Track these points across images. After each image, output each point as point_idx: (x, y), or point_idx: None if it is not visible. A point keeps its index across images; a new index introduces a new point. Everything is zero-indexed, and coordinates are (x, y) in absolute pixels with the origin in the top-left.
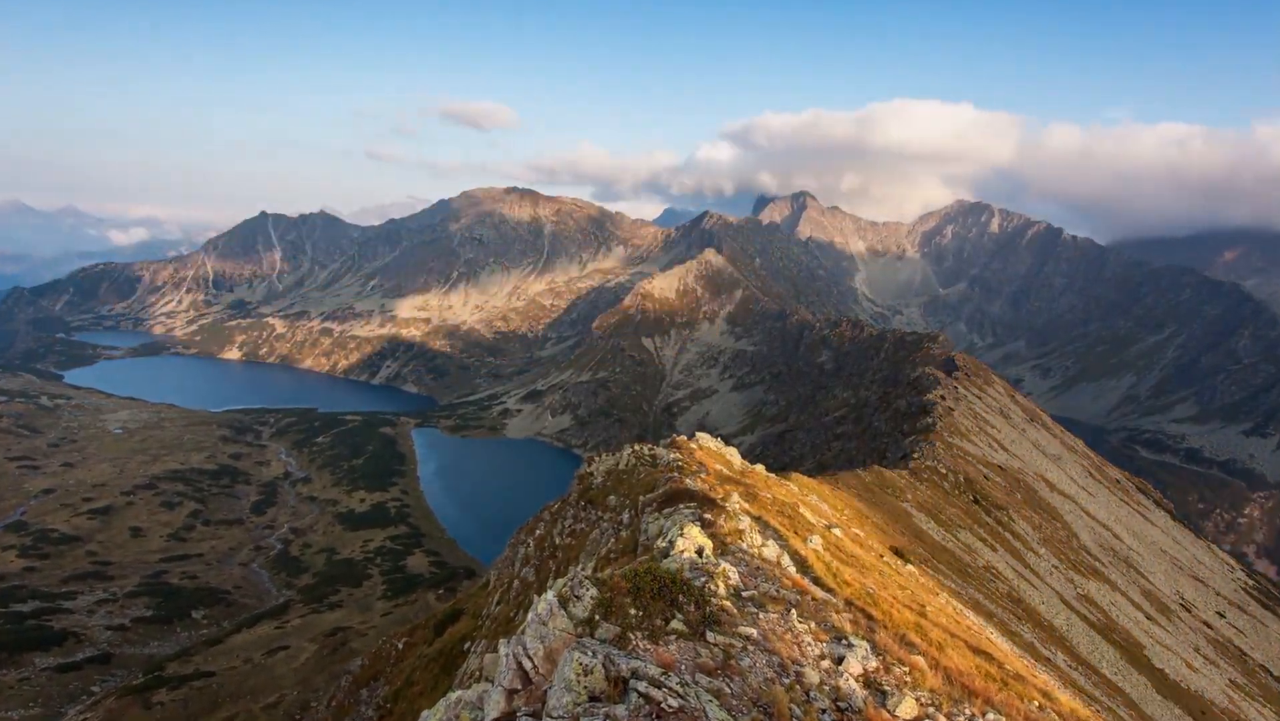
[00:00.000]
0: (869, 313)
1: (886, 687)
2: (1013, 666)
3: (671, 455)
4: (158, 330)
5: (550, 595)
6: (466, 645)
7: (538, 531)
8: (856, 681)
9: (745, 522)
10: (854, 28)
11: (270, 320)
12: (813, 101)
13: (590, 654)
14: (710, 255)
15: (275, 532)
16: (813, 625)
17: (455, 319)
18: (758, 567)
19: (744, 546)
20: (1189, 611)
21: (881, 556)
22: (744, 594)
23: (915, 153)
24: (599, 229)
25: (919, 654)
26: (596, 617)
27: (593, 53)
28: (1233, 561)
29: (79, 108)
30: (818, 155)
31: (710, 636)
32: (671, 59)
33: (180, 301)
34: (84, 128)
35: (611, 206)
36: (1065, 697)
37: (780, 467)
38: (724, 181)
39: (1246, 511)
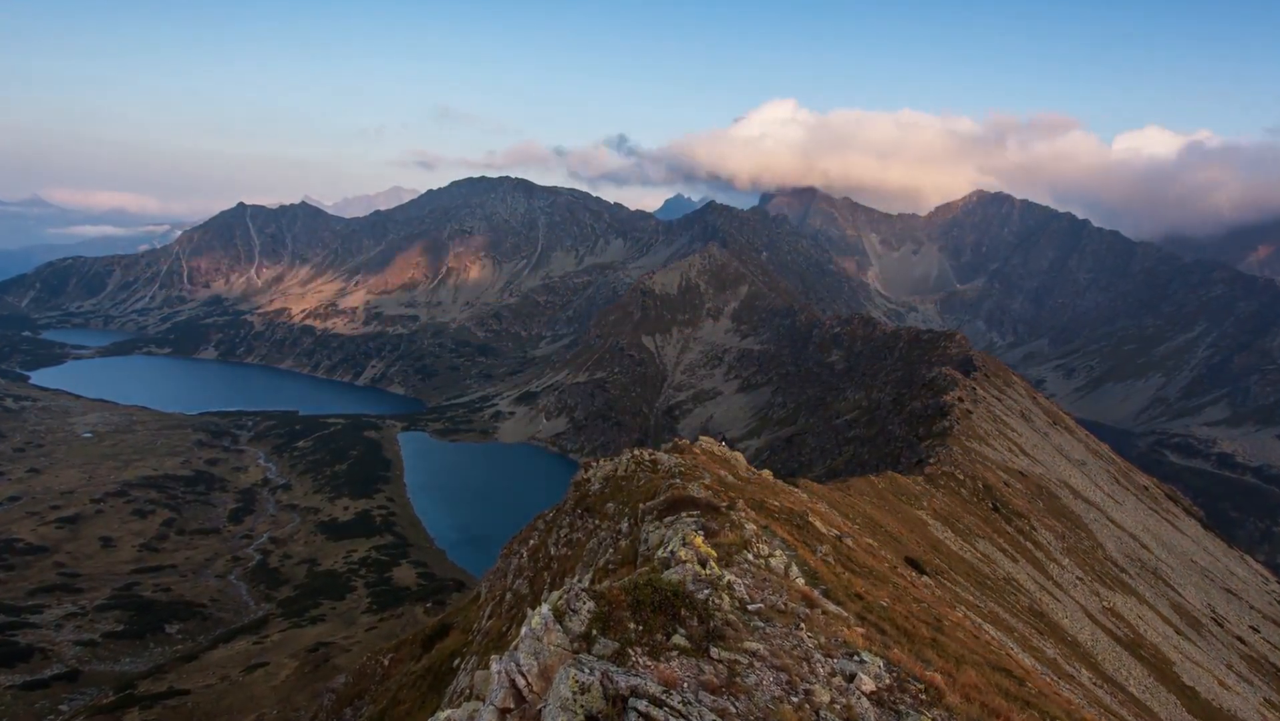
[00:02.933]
0: (882, 309)
1: (901, 707)
2: (1034, 684)
3: (673, 460)
4: (129, 328)
5: (545, 608)
6: (456, 661)
7: (531, 541)
8: (869, 700)
9: (751, 532)
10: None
11: (248, 317)
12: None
13: (587, 671)
14: (714, 249)
15: (253, 542)
16: (823, 640)
17: (444, 316)
18: (764, 579)
19: (750, 557)
20: (1221, 626)
21: (895, 567)
22: (750, 607)
23: None
24: (597, 221)
25: (935, 671)
26: (594, 632)
27: (587, 39)
28: (1267, 573)
29: (42, 93)
30: None
31: (714, 652)
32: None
33: (153, 298)
34: (49, 114)
35: (611, 197)
36: (1090, 717)
37: (788, 473)
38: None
39: None
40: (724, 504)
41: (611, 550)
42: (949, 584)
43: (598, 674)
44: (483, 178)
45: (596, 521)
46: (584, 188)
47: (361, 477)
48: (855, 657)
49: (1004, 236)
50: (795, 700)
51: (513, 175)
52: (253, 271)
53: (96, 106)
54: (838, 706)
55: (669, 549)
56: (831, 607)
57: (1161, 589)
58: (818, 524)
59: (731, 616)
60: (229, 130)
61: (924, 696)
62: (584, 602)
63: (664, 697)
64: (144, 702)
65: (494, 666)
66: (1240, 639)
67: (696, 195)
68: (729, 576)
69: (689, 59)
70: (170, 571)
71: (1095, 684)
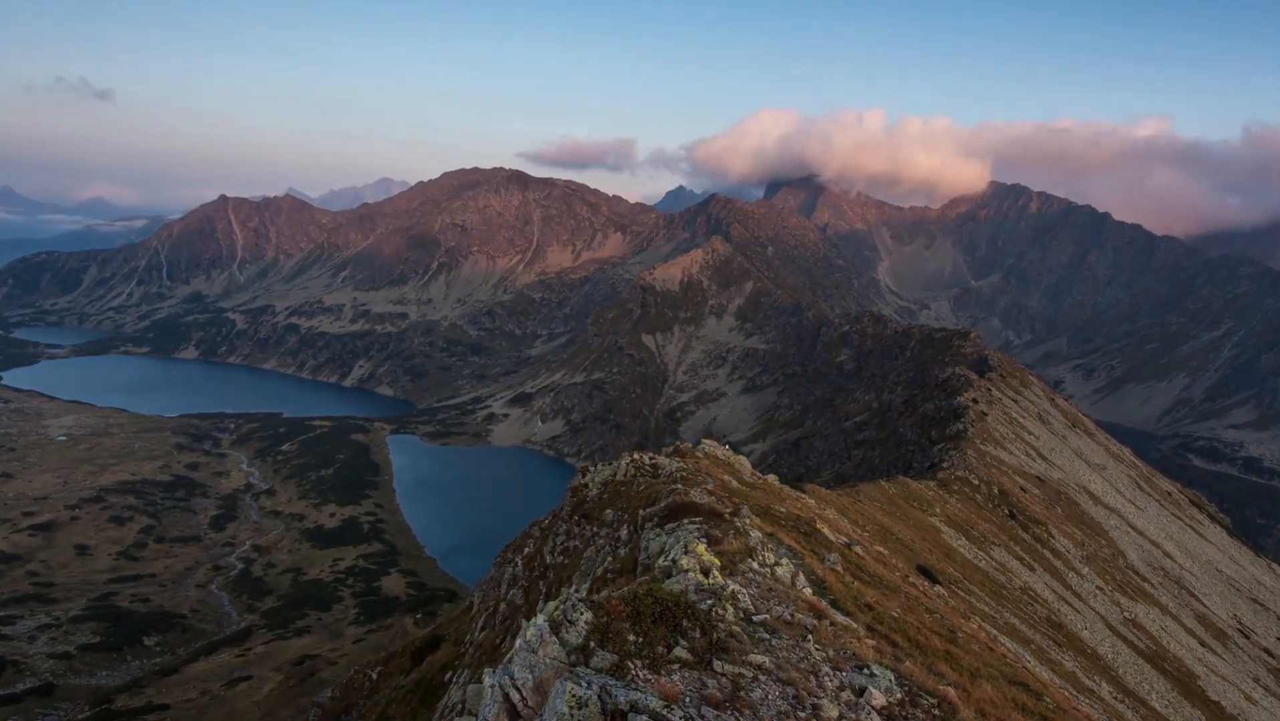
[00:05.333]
0: (893, 307)
1: None
2: (1052, 698)
3: (675, 464)
4: (106, 326)
5: (540, 619)
6: (447, 675)
7: (526, 549)
8: (880, 715)
9: (756, 539)
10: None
11: (230, 315)
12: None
13: (585, 684)
14: (718, 243)
15: (236, 550)
16: (831, 653)
17: (435, 314)
18: (770, 589)
19: (755, 566)
20: (1247, 637)
21: (907, 576)
22: (755, 618)
23: None
24: (595, 214)
25: (949, 684)
26: (592, 644)
27: (586, 31)
28: None
29: (10, 78)
30: None
31: (717, 665)
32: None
33: (131, 294)
34: (21, 101)
35: (609, 189)
36: None
37: (795, 478)
38: None
39: None
40: (727, 510)
41: (610, 558)
42: (963, 594)
43: (595, 688)
44: (475, 168)
45: (594, 528)
46: (582, 178)
47: (349, 483)
48: (865, 671)
49: (1020, 230)
50: (803, 715)
51: (507, 166)
52: (235, 267)
53: (70, 93)
54: None
55: (670, 557)
56: (840, 619)
57: (1185, 599)
58: (826, 531)
59: (735, 628)
60: (213, 120)
61: (937, 711)
62: (581, 613)
63: (665, 712)
64: (121, 718)
65: (487, 680)
66: (1268, 651)
67: (699, 187)
68: (733, 586)
69: (684, 64)
70: (149, 581)
71: (1116, 698)
